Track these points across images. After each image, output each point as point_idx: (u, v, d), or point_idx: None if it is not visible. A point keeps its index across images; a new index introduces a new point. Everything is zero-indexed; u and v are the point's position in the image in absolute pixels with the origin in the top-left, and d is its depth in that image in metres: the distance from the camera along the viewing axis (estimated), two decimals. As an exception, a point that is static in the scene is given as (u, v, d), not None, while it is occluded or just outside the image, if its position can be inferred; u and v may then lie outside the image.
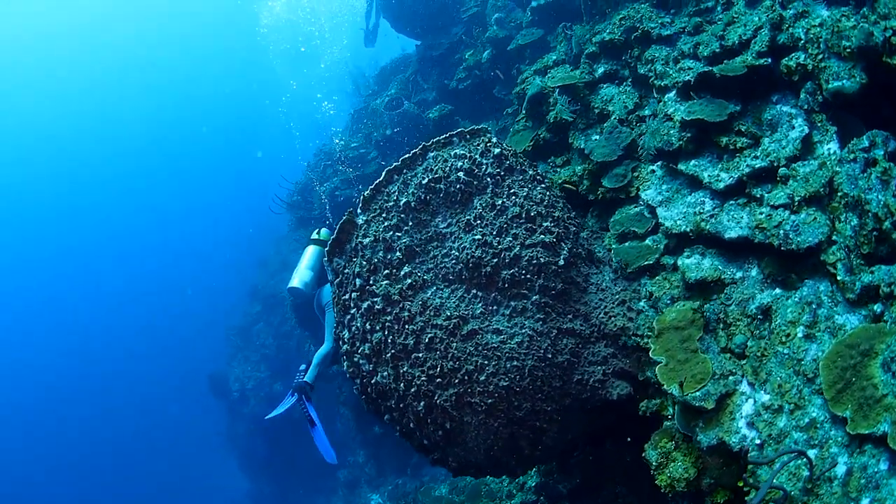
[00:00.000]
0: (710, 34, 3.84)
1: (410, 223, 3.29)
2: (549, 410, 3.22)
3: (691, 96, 3.63)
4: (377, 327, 3.20)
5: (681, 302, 3.05)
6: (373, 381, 3.28)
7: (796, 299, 2.71)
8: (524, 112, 4.72)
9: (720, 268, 3.03)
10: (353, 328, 3.29)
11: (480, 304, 3.23)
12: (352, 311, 3.28)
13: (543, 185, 3.52)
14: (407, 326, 3.16)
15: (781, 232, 2.74)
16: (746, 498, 2.34)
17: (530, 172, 3.53)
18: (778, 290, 2.80)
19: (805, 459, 2.23)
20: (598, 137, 4.10)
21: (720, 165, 3.30)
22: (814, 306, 2.63)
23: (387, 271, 3.23)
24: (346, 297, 3.29)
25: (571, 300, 3.34)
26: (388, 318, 3.18)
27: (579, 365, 3.27)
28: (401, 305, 3.18)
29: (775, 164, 3.06)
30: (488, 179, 3.35)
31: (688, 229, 3.16)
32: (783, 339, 2.62)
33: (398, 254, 3.24)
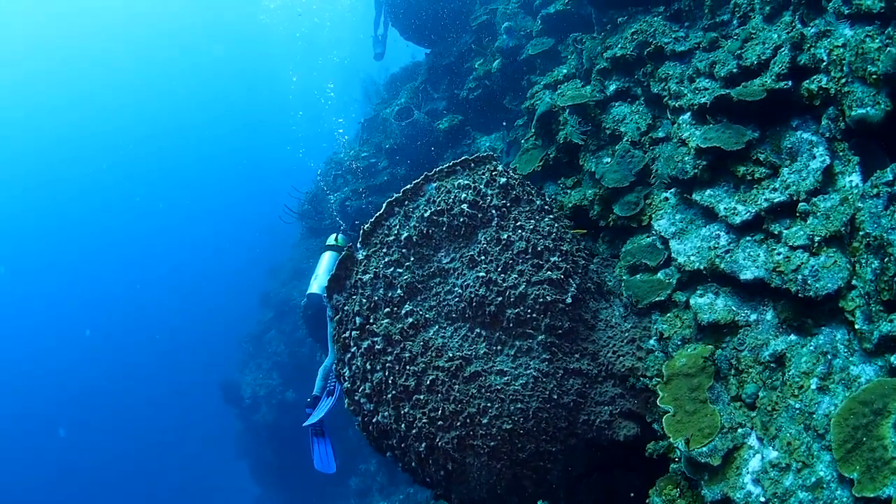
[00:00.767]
0: (727, 51, 3.65)
1: (412, 258, 3.20)
2: (554, 451, 3.13)
3: (707, 120, 3.46)
4: (378, 367, 3.13)
5: (692, 345, 2.92)
6: (374, 420, 3.21)
7: (811, 348, 2.56)
8: (533, 130, 4.58)
9: (734, 309, 2.88)
10: (354, 367, 3.22)
11: (484, 344, 3.13)
12: (352, 350, 3.21)
13: (552, 216, 3.40)
14: (408, 367, 3.08)
15: (800, 277, 2.59)
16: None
17: (538, 202, 3.41)
18: (793, 337, 2.65)
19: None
20: (609, 160, 3.95)
21: (737, 196, 3.13)
22: (829, 357, 2.48)
23: (387, 309, 3.16)
24: (346, 335, 3.22)
25: (579, 338, 3.22)
26: (389, 359, 3.11)
27: (586, 405, 3.16)
28: (402, 346, 3.10)
29: (795, 198, 2.89)
30: (493, 212, 3.24)
31: (702, 267, 3.02)
32: (795, 391, 2.48)
33: (399, 291, 3.15)
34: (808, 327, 2.62)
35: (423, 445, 3.06)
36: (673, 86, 3.80)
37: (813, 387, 2.46)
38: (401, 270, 3.19)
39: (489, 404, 3.03)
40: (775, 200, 2.89)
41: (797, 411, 2.42)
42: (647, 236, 3.55)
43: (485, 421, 3.02)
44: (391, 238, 3.22)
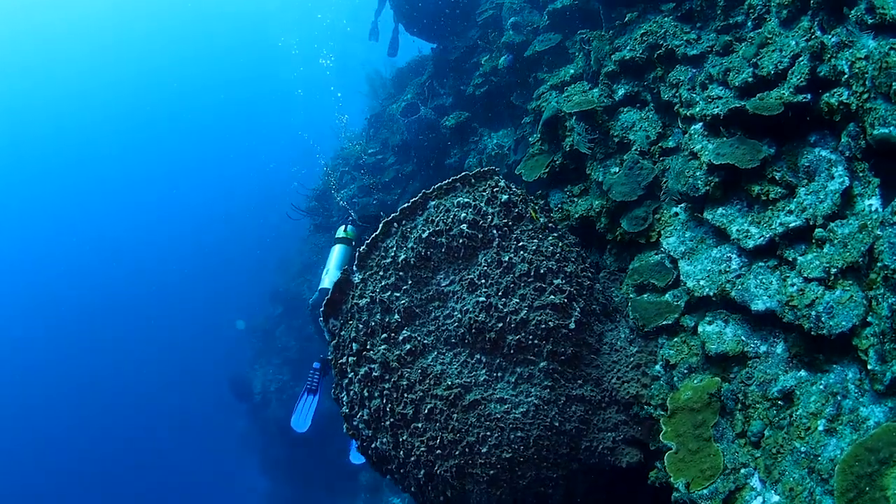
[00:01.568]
0: (742, 58, 3.45)
1: (410, 281, 3.12)
2: (555, 477, 3.07)
3: (720, 131, 3.29)
4: (375, 394, 3.09)
5: (698, 376, 2.81)
6: (373, 446, 3.18)
7: (821, 387, 2.45)
8: (539, 135, 4.42)
9: (744, 339, 2.76)
10: (352, 392, 3.18)
11: (484, 371, 3.06)
12: (349, 376, 3.17)
13: (555, 234, 3.28)
14: (406, 395, 3.03)
15: (813, 313, 2.45)
16: None
17: (542, 220, 3.29)
18: (803, 373, 2.53)
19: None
20: (617, 170, 3.79)
21: (750, 217, 2.98)
22: (839, 397, 2.37)
23: (385, 335, 3.09)
24: (343, 360, 3.17)
25: (582, 363, 3.13)
26: (387, 386, 3.05)
27: (588, 431, 3.09)
28: (399, 373, 3.04)
29: (811, 223, 2.73)
30: (494, 232, 3.14)
31: (711, 293, 2.89)
32: (802, 433, 2.38)
33: (396, 316, 3.08)
34: (819, 363, 2.50)
35: (422, 473, 3.03)
36: (684, 93, 3.61)
37: (820, 428, 2.36)
38: (398, 294, 3.11)
39: (489, 433, 2.97)
40: (791, 225, 2.74)
41: (802, 455, 2.32)
42: (656, 253, 3.42)
43: (484, 450, 2.96)
44: (388, 261, 3.13)
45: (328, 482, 8.55)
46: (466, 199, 3.17)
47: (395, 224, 3.17)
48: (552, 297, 3.06)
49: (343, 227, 5.93)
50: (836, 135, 2.97)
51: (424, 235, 3.11)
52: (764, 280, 2.77)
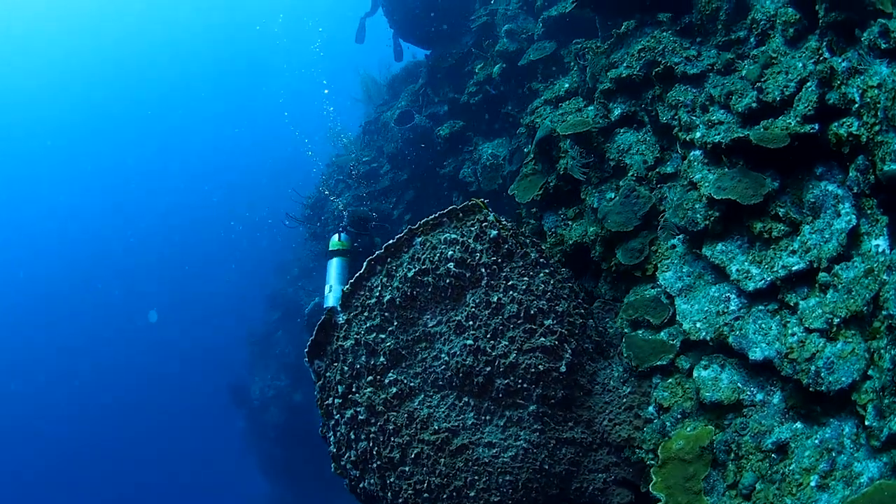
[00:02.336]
0: (745, 79, 3.28)
1: (395, 322, 3.01)
2: (547, 521, 2.99)
3: (721, 160, 3.13)
4: (362, 436, 3.00)
5: (691, 425, 2.70)
6: (360, 486, 3.11)
7: (817, 441, 2.35)
8: (532, 155, 4.27)
9: (740, 386, 2.64)
10: (339, 433, 3.09)
11: (472, 414, 2.96)
12: (335, 417, 3.08)
13: (547, 270, 3.15)
14: (393, 439, 2.94)
15: (813, 368, 2.33)
16: None
17: (532, 255, 3.16)
18: (799, 425, 2.43)
19: None
20: (613, 196, 3.65)
21: (751, 255, 2.84)
22: (833, 453, 2.28)
23: (370, 377, 2.99)
24: (329, 402, 3.08)
25: (574, 405, 3.02)
26: (373, 430, 2.97)
27: (579, 473, 2.99)
28: (386, 417, 2.95)
29: (815, 266, 2.60)
30: (483, 270, 3.01)
31: (708, 337, 2.77)
32: (794, 488, 2.29)
33: (382, 358, 2.98)
34: (816, 415, 2.40)
35: (410, 518, 2.95)
36: (684, 116, 3.45)
37: (812, 484, 2.28)
38: (383, 336, 3.00)
39: (477, 477, 2.88)
40: (793, 269, 2.61)
41: (796, 513, 2.22)
42: (652, 287, 3.29)
43: (472, 494, 2.88)
44: (373, 301, 3.02)
45: (327, 484, 8.53)
46: (454, 236, 3.04)
47: (380, 263, 3.05)
48: (542, 339, 2.94)
49: (337, 237, 5.80)
50: (843, 167, 2.82)
51: (410, 275, 3.00)
52: (763, 325, 2.64)
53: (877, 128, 2.63)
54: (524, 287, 3.02)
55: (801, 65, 3.06)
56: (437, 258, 3.00)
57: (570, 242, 3.78)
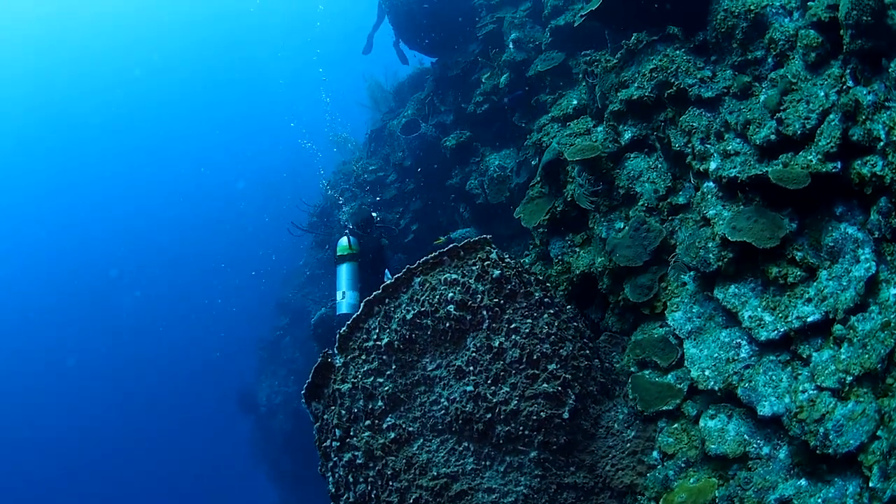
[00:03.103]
0: (763, 106, 3.11)
1: (394, 366, 2.93)
2: (550, 567, 2.91)
3: (737, 195, 2.98)
4: (360, 479, 2.94)
5: (694, 476, 2.60)
6: (360, 529, 3.06)
7: (819, 500, 2.26)
8: (539, 178, 4.13)
9: (746, 438, 2.53)
10: (337, 475, 3.04)
11: (472, 459, 2.88)
12: (333, 460, 3.02)
13: (552, 311, 3.04)
14: (391, 483, 2.87)
15: (821, 430, 2.22)
16: None
17: (537, 295, 3.05)
18: (803, 482, 2.32)
19: None
20: (622, 227, 3.51)
21: (765, 301, 2.70)
22: (838, 514, 2.16)
23: (368, 422, 2.92)
24: (327, 444, 3.02)
25: (576, 449, 2.93)
26: (371, 474, 2.90)
27: (585, 521, 2.91)
28: (384, 461, 2.88)
29: (831, 317, 2.46)
30: (484, 313, 2.91)
31: (717, 388, 2.65)
32: None
33: (380, 403, 2.91)
34: (821, 473, 2.29)
35: (409, 564, 2.89)
36: (698, 144, 3.29)
37: (814, 544, 2.17)
38: (381, 380, 2.93)
39: (477, 526, 2.81)
40: (808, 320, 2.47)
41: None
42: (661, 326, 3.16)
43: (473, 542, 2.81)
44: (370, 344, 2.94)
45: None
46: (454, 276, 2.94)
47: (378, 303, 2.96)
48: (545, 385, 2.84)
49: (346, 241, 5.72)
50: (865, 207, 2.65)
51: (409, 317, 2.91)
52: (774, 377, 2.52)
53: (903, 169, 2.47)
54: (527, 330, 2.91)
55: (822, 94, 2.88)
56: (436, 300, 2.91)
57: (578, 272, 3.66)
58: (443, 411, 2.88)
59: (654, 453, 2.89)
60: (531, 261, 4.26)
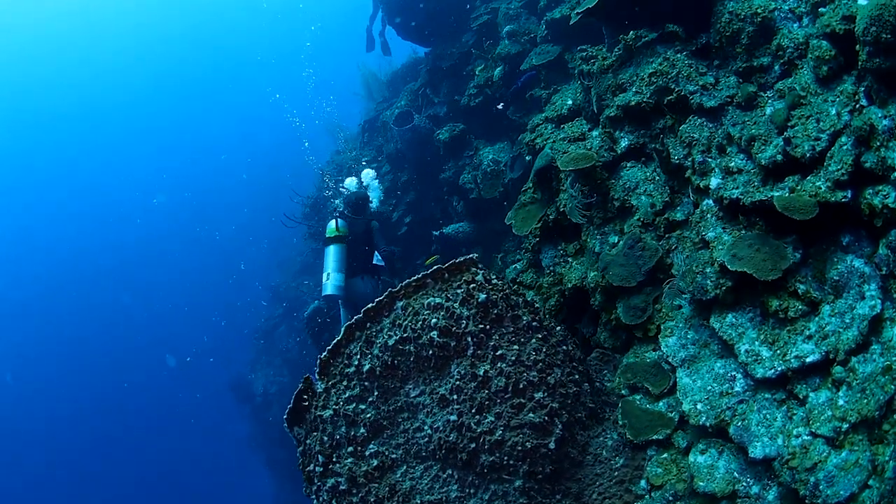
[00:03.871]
0: (770, 121, 2.93)
1: (376, 392, 2.84)
2: None
3: (738, 219, 2.83)
4: (342, 506, 2.88)
5: (685, 513, 2.53)
6: (342, 553, 3.02)
7: None
8: (531, 183, 3.97)
9: (736, 476, 2.45)
10: (321, 499, 2.98)
11: (456, 487, 2.82)
12: (317, 484, 2.96)
13: (540, 335, 2.93)
14: (373, 512, 2.81)
15: (812, 480, 2.14)
16: None
17: (525, 319, 2.93)
18: (794, 527, 2.24)
19: None
20: (616, 240, 3.37)
21: (763, 333, 2.59)
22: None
23: (351, 448, 2.85)
24: (310, 468, 2.95)
25: (563, 477, 2.86)
26: (355, 500, 2.85)
27: (570, 549, 2.86)
28: (367, 488, 2.82)
29: (831, 357, 2.34)
30: (469, 339, 2.80)
31: (708, 424, 2.55)
32: None
33: (362, 429, 2.83)
34: (809, 516, 2.21)
35: (391, 591, 2.86)
36: (698, 157, 3.12)
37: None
38: (363, 406, 2.84)
39: (460, 556, 2.76)
40: (807, 360, 2.36)
41: None
42: (654, 349, 3.05)
43: (456, 572, 2.77)
44: (351, 370, 2.84)
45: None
46: (438, 301, 2.82)
47: (359, 328, 2.85)
48: (531, 415, 2.75)
49: (334, 224, 5.62)
50: (873, 239, 2.51)
51: (391, 343, 2.80)
52: (768, 416, 2.42)
53: (915, 201, 2.32)
54: (513, 357, 2.81)
55: (834, 112, 2.70)
56: (419, 326, 2.79)
57: (570, 286, 3.53)
58: (426, 438, 2.80)
59: (643, 482, 2.82)
60: (522, 267, 4.13)
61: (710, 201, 3.01)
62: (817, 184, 2.55)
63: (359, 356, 2.84)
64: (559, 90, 4.77)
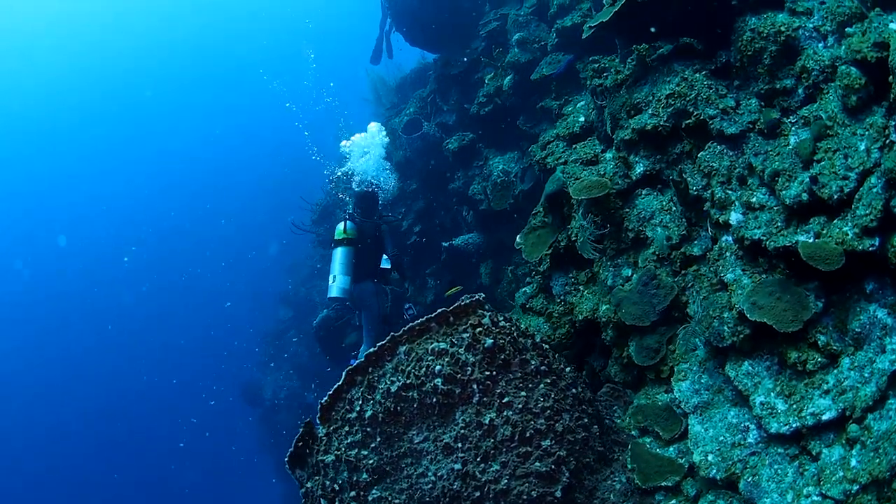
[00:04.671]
0: (794, 154, 2.76)
1: (379, 438, 2.78)
2: None
3: (759, 261, 2.68)
4: (345, 551, 2.85)
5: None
6: None
7: None
8: (542, 208, 3.83)
9: (749, 535, 2.35)
10: (323, 541, 2.95)
11: (461, 534, 2.75)
12: (319, 527, 2.92)
13: (549, 380, 2.83)
14: (377, 558, 2.77)
15: None
16: None
17: (533, 363, 2.83)
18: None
19: None
20: (629, 273, 3.24)
21: (780, 383, 2.46)
22: None
23: (353, 492, 2.80)
24: (312, 512, 2.92)
25: (572, 526, 2.78)
26: (357, 546, 2.80)
27: None
28: (369, 535, 2.77)
29: (848, 413, 2.22)
30: (475, 387, 2.72)
31: (719, 477, 2.45)
32: None
33: (365, 475, 2.77)
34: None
35: None
36: (718, 190, 2.96)
37: None
38: (366, 452, 2.78)
39: None
40: (823, 418, 2.24)
41: None
42: (666, 391, 2.94)
43: None
44: (353, 415, 2.78)
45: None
46: (443, 346, 2.73)
47: (360, 373, 2.78)
48: (538, 463, 2.67)
49: (343, 226, 5.55)
50: (898, 288, 2.35)
51: (393, 389, 2.73)
52: (779, 471, 2.32)
53: (949, 253, 2.16)
54: (520, 405, 2.72)
55: (863, 147, 2.53)
56: (422, 372, 2.71)
57: (581, 318, 3.42)
58: (430, 485, 2.74)
59: (651, 531, 2.74)
60: (532, 292, 4.02)
61: (730, 238, 2.86)
62: (844, 229, 2.40)
63: (360, 401, 2.77)
64: (570, 101, 4.59)
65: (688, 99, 3.24)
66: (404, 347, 2.78)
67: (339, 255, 5.46)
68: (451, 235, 6.25)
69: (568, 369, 3.06)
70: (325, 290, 5.84)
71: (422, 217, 6.48)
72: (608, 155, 3.67)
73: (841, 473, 2.14)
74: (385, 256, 5.67)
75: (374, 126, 6.11)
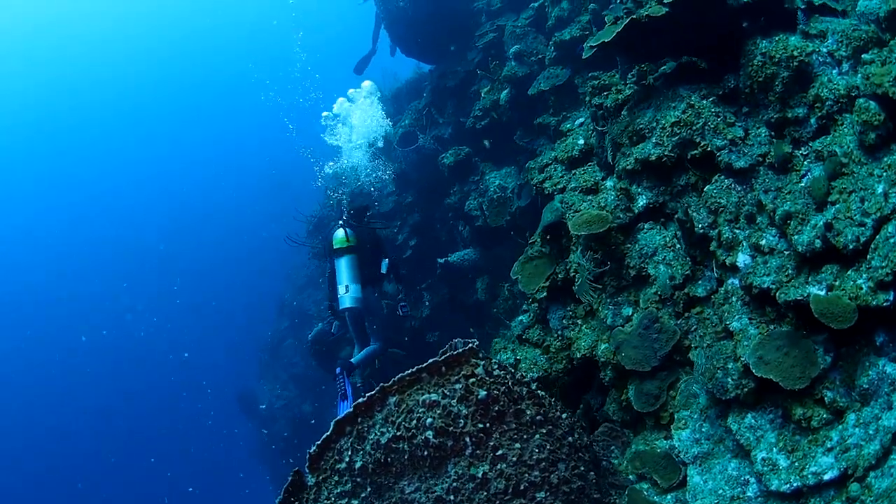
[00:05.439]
0: (808, 194, 2.62)
1: (369, 489, 2.66)
2: None
3: (766, 311, 2.54)
4: None
5: None
6: None
7: None
8: (538, 237, 3.70)
9: None
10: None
11: (454, 590, 2.65)
12: (307, 579, 2.81)
13: (545, 431, 2.71)
14: None
15: None
16: None
17: (528, 413, 2.71)
18: None
19: None
20: (630, 313, 3.11)
21: (783, 438, 2.36)
22: None
23: (342, 546, 2.69)
24: (300, 564, 2.81)
25: (569, 581, 2.67)
26: None
27: None
28: (359, 590, 2.67)
29: (850, 472, 2.11)
30: (467, 439, 2.59)
31: (723, 541, 2.33)
32: None
33: (354, 529, 2.66)
34: None
35: None
36: (726, 230, 2.82)
37: None
38: (356, 502, 2.67)
39: None
40: (825, 477, 2.13)
41: None
42: (665, 437, 2.82)
43: None
44: (343, 466, 2.67)
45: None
46: (434, 398, 2.61)
47: (349, 423, 2.66)
48: (534, 520, 2.55)
49: (343, 234, 5.41)
50: (913, 342, 2.23)
51: (383, 441, 2.61)
52: (784, 533, 2.20)
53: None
54: (515, 458, 2.60)
55: (881, 190, 2.39)
56: (413, 424, 2.59)
57: (579, 356, 3.29)
58: (422, 541, 2.63)
59: (650, 582, 2.64)
60: (528, 322, 3.89)
61: (737, 282, 2.73)
62: (858, 282, 2.27)
63: (350, 452, 2.66)
64: (569, 117, 4.44)
65: (694, 128, 3.09)
66: (394, 398, 2.66)
67: (345, 263, 5.30)
68: (448, 250, 6.11)
69: (564, 416, 2.93)
70: (320, 301, 5.72)
71: (418, 231, 6.34)
72: (609, 183, 3.52)
73: (844, 540, 2.03)
74: (385, 260, 5.54)
75: (367, 84, 5.90)
